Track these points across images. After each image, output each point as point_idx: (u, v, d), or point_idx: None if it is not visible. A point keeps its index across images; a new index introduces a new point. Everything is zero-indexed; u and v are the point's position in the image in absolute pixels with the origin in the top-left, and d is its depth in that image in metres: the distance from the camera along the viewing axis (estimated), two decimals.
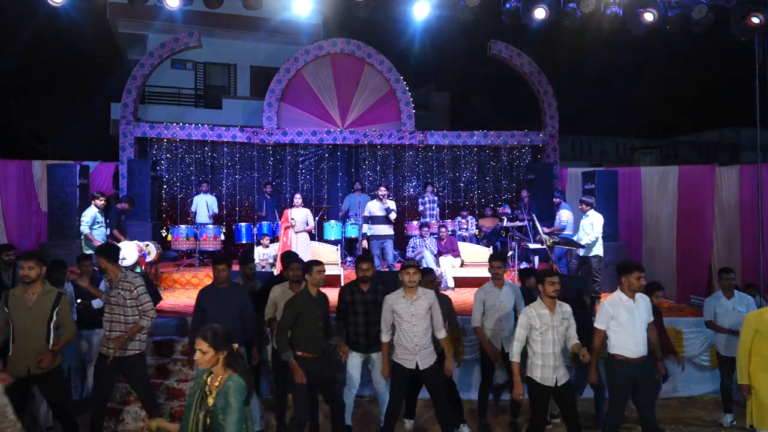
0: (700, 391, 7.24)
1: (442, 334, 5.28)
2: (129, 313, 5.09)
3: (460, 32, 12.47)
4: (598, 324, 5.03)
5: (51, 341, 4.84)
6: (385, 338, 5.22)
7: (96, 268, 7.31)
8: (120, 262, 8.73)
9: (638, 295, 5.02)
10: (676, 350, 6.28)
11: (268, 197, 11.74)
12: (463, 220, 12.07)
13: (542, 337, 4.81)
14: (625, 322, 4.91)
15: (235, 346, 3.44)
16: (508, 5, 9.41)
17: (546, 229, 9.48)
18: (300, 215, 9.46)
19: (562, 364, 4.90)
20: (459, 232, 11.82)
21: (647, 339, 5.01)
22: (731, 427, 6.29)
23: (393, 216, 10.05)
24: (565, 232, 9.80)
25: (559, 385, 4.82)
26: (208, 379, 3.39)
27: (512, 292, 6.02)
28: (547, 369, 4.81)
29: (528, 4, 9.29)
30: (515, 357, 4.89)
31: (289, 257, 6.07)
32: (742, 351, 4.83)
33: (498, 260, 6.02)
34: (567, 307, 4.97)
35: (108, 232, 9.33)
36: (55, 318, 4.86)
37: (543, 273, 4.99)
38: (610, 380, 5.07)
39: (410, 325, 5.10)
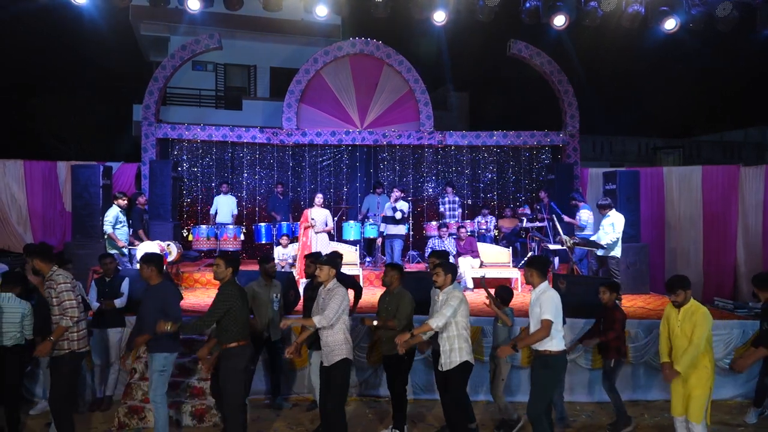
0: (724, 395, 7.08)
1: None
2: (56, 312, 5.04)
3: (479, 32, 12.40)
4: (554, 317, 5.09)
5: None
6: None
7: (120, 267, 7.44)
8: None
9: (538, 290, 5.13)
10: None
11: (281, 197, 11.81)
12: (483, 220, 12.02)
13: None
14: (560, 315, 5.12)
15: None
16: (528, 5, 9.37)
17: (566, 218, 9.43)
18: (320, 215, 9.49)
19: (453, 349, 5.17)
20: (479, 232, 11.78)
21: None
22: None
23: (398, 216, 10.29)
24: (585, 232, 9.70)
25: (444, 369, 5.23)
26: None
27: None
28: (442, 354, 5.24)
29: (548, 3, 9.24)
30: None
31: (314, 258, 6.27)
32: (661, 334, 5.20)
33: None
34: (447, 295, 5.17)
35: (131, 232, 9.48)
36: None
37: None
38: (548, 374, 5.08)
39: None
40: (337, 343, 5.13)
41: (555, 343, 4.96)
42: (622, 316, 6.13)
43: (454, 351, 5.15)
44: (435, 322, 5.06)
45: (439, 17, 9.72)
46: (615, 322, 6.00)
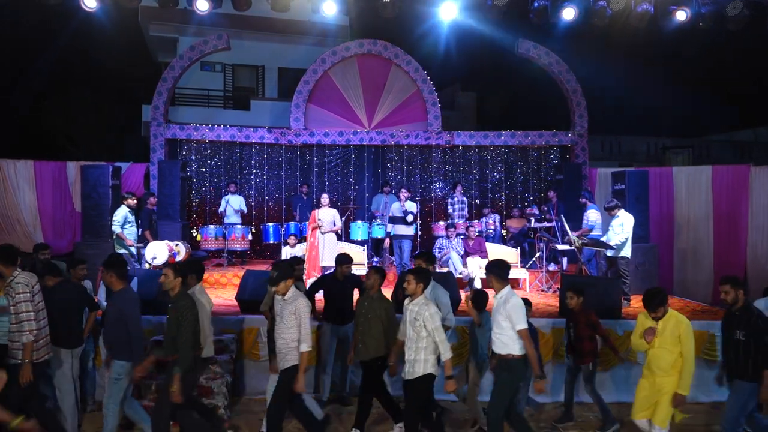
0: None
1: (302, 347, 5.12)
2: (13, 320, 4.76)
3: (487, 32, 12.37)
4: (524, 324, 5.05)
5: None
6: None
7: (128, 267, 7.46)
8: (151, 261, 8.95)
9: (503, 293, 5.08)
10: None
11: (305, 198, 11.81)
12: (489, 220, 11.99)
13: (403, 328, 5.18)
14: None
15: None
16: (536, 4, 9.34)
17: (576, 233, 9.36)
18: (327, 216, 9.51)
19: (417, 360, 5.01)
20: (487, 232, 11.75)
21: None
22: None
23: (410, 219, 10.22)
24: (593, 233, 9.65)
25: (406, 378, 5.08)
26: None
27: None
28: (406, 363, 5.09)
29: (557, 3, 9.21)
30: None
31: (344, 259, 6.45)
32: (635, 333, 5.22)
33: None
34: (428, 312, 4.94)
35: (140, 232, 9.53)
36: None
37: (403, 274, 5.24)
38: (504, 378, 5.12)
39: (275, 324, 5.21)
40: (290, 349, 5.09)
41: (518, 347, 4.97)
42: (591, 319, 6.07)
43: (419, 362, 5.01)
44: (447, 354, 4.98)
45: (447, 17, 9.70)
46: (585, 327, 5.99)
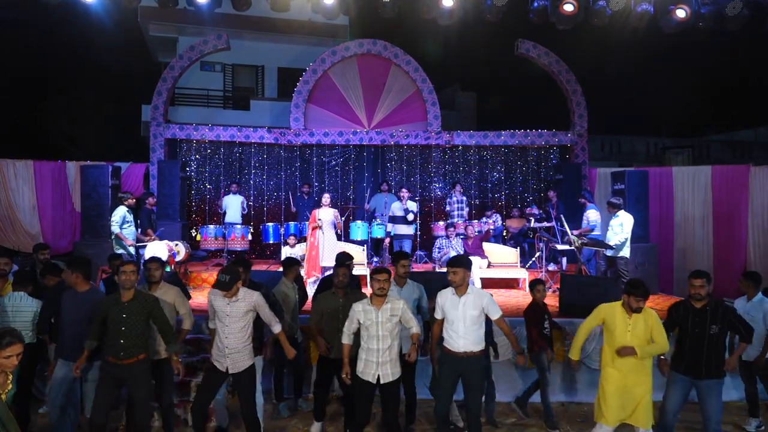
0: (733, 396, 7.02)
1: (276, 328, 5.17)
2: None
3: (487, 32, 12.38)
4: (435, 314, 5.12)
5: None
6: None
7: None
8: None
9: (473, 291, 5.01)
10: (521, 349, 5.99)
11: (305, 197, 11.82)
12: (489, 220, 11.99)
13: (367, 333, 4.89)
14: (451, 317, 4.98)
15: None
16: (536, 4, 9.34)
17: (575, 232, 9.37)
18: (327, 215, 9.50)
19: (389, 361, 4.91)
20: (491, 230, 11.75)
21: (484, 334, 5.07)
22: None
23: (410, 217, 10.26)
24: (593, 233, 9.66)
25: (381, 382, 4.87)
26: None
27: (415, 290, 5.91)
28: (370, 364, 4.87)
29: (557, 2, 9.20)
30: (344, 339, 5.03)
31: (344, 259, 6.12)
32: (581, 330, 5.16)
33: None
34: (398, 304, 4.94)
35: (139, 232, 9.53)
36: None
37: (372, 271, 5.03)
38: (438, 371, 5.15)
39: (223, 326, 5.01)
40: (246, 347, 5.05)
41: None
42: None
43: (394, 362, 4.95)
44: (416, 327, 5.01)
45: (447, 17, 9.70)
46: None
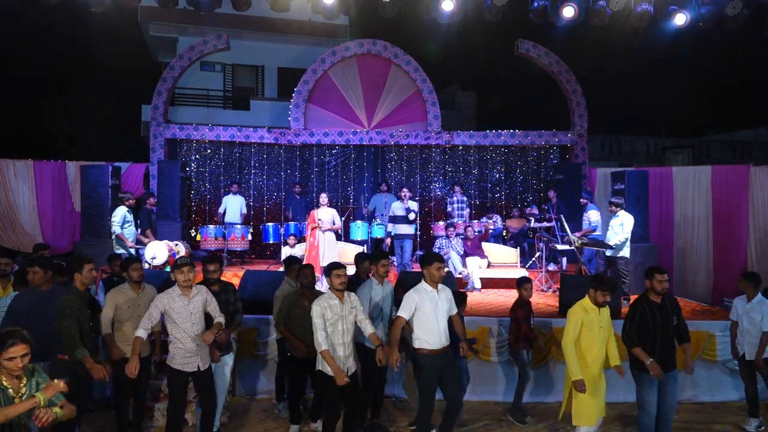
0: (732, 396, 7.04)
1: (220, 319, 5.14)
2: None
3: (487, 31, 12.38)
4: (402, 312, 4.95)
5: None
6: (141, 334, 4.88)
7: (120, 268, 7.46)
8: (150, 261, 8.95)
9: (440, 286, 5.06)
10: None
11: (297, 197, 11.82)
12: (490, 221, 11.99)
13: (333, 328, 4.89)
14: (428, 312, 4.92)
15: None
16: (536, 4, 9.34)
17: (578, 234, 9.37)
18: (326, 215, 9.49)
19: (351, 354, 5.01)
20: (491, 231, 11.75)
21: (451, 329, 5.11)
22: None
23: (412, 216, 10.30)
24: (594, 233, 9.66)
25: (349, 374, 4.93)
26: (10, 384, 3.22)
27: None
28: (337, 359, 4.88)
29: (557, 2, 9.21)
30: (321, 346, 4.83)
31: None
32: (570, 345, 4.93)
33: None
34: (354, 297, 5.08)
35: (139, 232, 9.53)
36: None
37: (330, 266, 5.07)
38: (418, 374, 5.04)
39: (190, 324, 4.93)
40: (206, 346, 5.05)
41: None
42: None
43: (354, 355, 5.07)
44: (371, 327, 5.06)
45: (447, 17, 9.70)
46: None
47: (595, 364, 4.98)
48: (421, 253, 11.93)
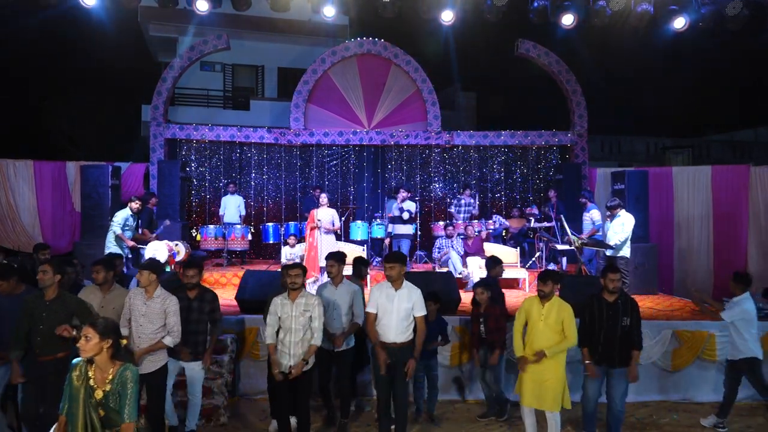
0: None
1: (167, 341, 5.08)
2: None
3: (487, 32, 12.37)
4: (369, 308, 5.28)
5: None
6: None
7: (125, 269, 7.45)
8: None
9: (409, 286, 5.24)
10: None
11: (317, 200, 11.77)
12: (489, 221, 11.98)
13: (282, 325, 5.10)
14: (385, 309, 5.19)
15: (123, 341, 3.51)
16: (535, 4, 9.34)
17: (584, 236, 9.36)
18: (326, 215, 9.49)
19: (300, 354, 5.08)
20: (487, 232, 11.74)
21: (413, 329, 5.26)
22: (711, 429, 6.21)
23: (405, 216, 10.41)
24: (600, 233, 9.66)
25: (291, 372, 5.05)
26: (90, 372, 3.34)
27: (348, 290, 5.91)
28: (283, 356, 5.07)
29: (557, 3, 9.21)
30: (266, 339, 5.19)
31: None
32: (516, 328, 5.38)
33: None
34: (311, 299, 5.16)
35: (139, 232, 9.49)
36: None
37: (285, 267, 5.24)
38: (372, 363, 5.42)
39: (137, 325, 5.00)
40: (163, 350, 5.06)
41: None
42: (502, 311, 6.43)
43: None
44: (317, 340, 5.14)
45: (447, 17, 9.70)
46: (495, 320, 6.20)
47: (532, 346, 5.20)
48: (421, 253, 11.97)
